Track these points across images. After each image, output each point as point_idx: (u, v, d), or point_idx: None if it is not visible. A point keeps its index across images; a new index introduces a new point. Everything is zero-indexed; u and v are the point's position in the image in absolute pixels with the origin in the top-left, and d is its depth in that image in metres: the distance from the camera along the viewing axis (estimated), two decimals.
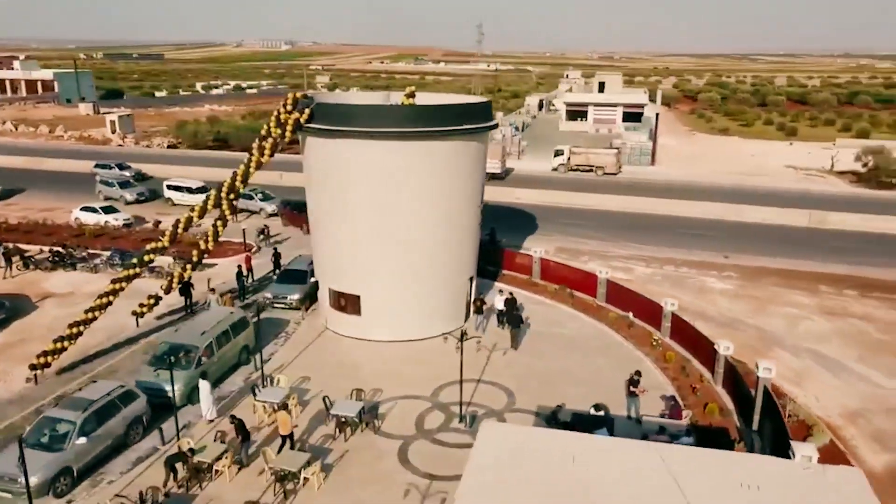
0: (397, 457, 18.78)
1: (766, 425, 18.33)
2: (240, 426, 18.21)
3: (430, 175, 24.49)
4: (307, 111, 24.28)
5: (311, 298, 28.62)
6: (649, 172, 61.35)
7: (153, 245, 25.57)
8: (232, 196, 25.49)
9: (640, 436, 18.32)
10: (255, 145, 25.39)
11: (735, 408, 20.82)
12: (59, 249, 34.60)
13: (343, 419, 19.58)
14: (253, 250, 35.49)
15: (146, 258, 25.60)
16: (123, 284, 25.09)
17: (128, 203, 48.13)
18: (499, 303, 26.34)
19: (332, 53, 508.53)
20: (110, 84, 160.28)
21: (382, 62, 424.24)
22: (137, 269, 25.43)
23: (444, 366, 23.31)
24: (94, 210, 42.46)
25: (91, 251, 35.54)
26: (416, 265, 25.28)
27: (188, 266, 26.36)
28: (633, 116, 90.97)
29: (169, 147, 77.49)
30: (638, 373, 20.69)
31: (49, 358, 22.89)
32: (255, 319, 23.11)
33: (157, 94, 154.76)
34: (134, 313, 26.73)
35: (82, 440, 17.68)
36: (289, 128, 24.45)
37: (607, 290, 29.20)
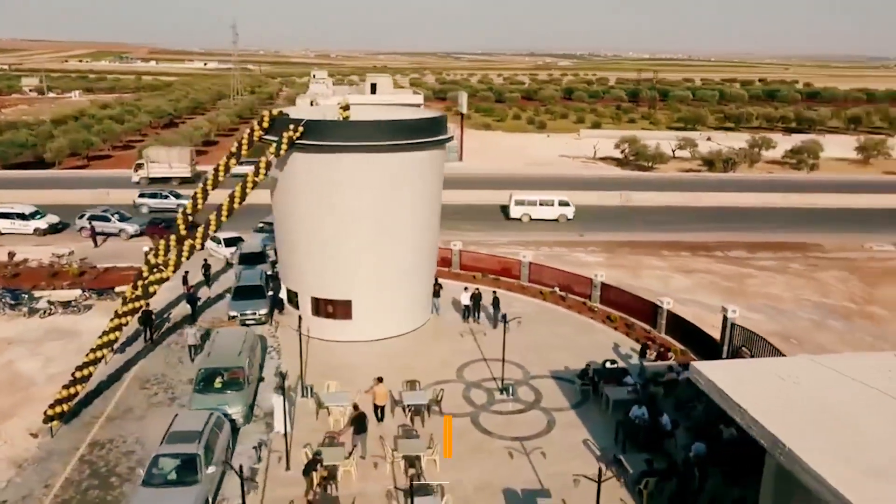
0: (477, 430, 21.50)
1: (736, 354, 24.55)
2: (360, 419, 19.57)
3: (413, 183, 26.90)
4: (300, 128, 25.14)
5: (271, 311, 29.25)
6: (460, 167, 67.63)
7: (157, 276, 24.38)
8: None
9: (654, 376, 23.47)
10: (251, 172, 25.41)
11: (685, 347, 26.90)
12: None
13: (416, 407, 21.67)
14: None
15: (151, 290, 24.35)
16: (128, 319, 23.72)
17: None
18: (465, 299, 29.20)
19: (13, 51, 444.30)
20: None
21: (81, 60, 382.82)
22: (141, 303, 24.13)
23: (443, 352, 26.38)
24: None
25: None
26: (401, 267, 27.56)
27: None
28: None
29: None
30: (648, 340, 25.85)
31: (64, 406, 21.19)
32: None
33: None
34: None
35: (211, 469, 17.72)
36: (284, 145, 25.05)
37: (529, 270, 33.97)
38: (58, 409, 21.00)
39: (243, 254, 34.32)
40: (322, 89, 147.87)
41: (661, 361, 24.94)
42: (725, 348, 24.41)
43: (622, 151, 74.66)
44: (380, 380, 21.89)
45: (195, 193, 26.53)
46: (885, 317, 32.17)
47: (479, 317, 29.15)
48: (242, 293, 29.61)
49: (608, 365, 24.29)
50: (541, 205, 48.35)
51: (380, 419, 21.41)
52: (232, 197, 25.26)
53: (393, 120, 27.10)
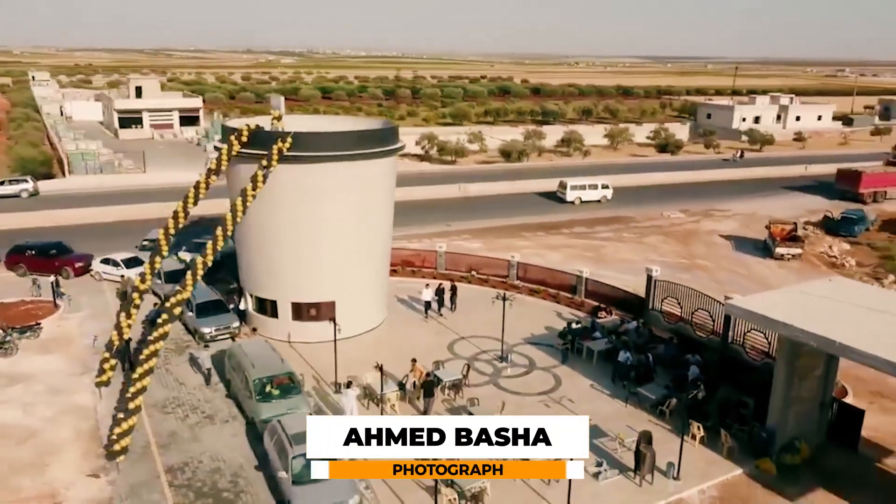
0: (507, 392, 25.17)
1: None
2: (429, 384, 22.40)
3: (381, 187, 29.33)
4: (289, 140, 26.17)
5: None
6: None
7: (179, 297, 23.77)
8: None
9: (614, 328, 29.14)
10: (248, 191, 25.72)
11: (611, 307, 33.00)
12: None
13: (452, 383, 24.70)
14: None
15: (176, 311, 23.66)
16: (161, 345, 22.99)
17: None
18: (426, 295, 31.82)
19: None
20: None
21: None
22: (168, 328, 23.46)
23: (423, 336, 29.52)
24: None
25: None
26: (375, 265, 29.90)
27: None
28: (190, 120, 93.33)
29: None
30: (599, 308, 31.13)
31: (125, 441, 20.54)
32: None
33: None
34: (99, 384, 24.27)
35: None
36: (275, 159, 25.90)
37: (445, 260, 37.80)
38: (120, 446, 20.36)
39: (168, 272, 33.20)
40: (50, 93, 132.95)
41: (609, 318, 30.67)
42: (651, 301, 30.86)
43: (423, 147, 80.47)
44: (414, 361, 24.62)
45: (176, 211, 26.23)
46: (711, 267, 41.71)
47: (441, 308, 32.16)
48: (206, 309, 29.34)
49: (574, 325, 29.43)
50: (589, 188, 57.70)
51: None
52: (234, 211, 25.56)
53: (366, 129, 29.25)
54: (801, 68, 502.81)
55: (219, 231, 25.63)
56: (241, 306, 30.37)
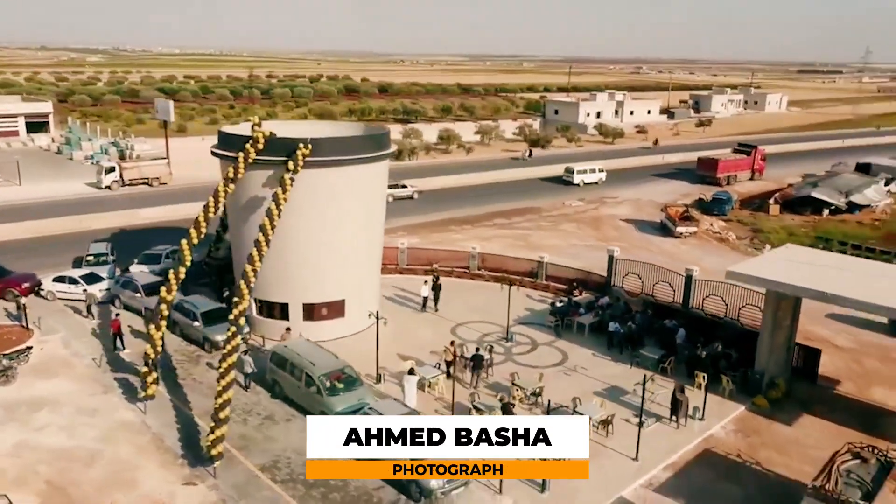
0: (526, 367, 28.02)
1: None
2: (479, 358, 25.44)
3: (380, 188, 31.04)
4: (309, 145, 27.10)
5: None
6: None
7: (240, 308, 24.06)
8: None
9: (591, 304, 32.94)
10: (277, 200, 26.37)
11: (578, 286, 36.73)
12: None
13: (479, 361, 27.12)
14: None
15: (241, 322, 23.97)
16: (235, 357, 23.30)
17: None
18: (425, 291, 33.64)
19: None
20: None
21: None
22: (238, 339, 23.78)
23: (424, 327, 31.73)
24: None
25: None
26: (375, 263, 31.57)
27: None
28: (37, 126, 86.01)
29: None
30: (573, 285, 34.59)
31: (220, 447, 20.92)
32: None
33: None
34: (145, 398, 24.13)
35: None
36: (300, 164, 26.74)
37: (407, 256, 39.79)
38: (219, 450, 20.79)
39: (146, 285, 32.40)
40: None
41: (583, 296, 34.44)
42: (612, 278, 35.09)
43: None
44: (452, 343, 26.97)
45: (197, 220, 26.34)
46: (627, 246, 46.98)
47: (437, 302, 33.89)
48: (212, 318, 29.40)
49: (558, 304, 32.94)
50: (589, 172, 67.44)
51: (449, 375, 26.28)
52: (271, 216, 26.14)
53: (373, 134, 30.84)
54: (605, 66, 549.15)
55: (261, 237, 26.06)
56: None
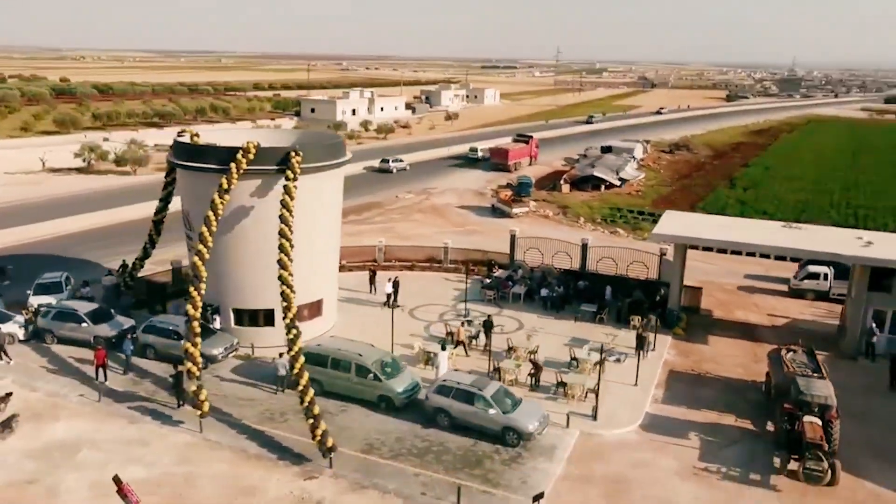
0: (500, 334, 32.55)
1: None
2: (489, 323, 30.09)
3: (340, 192, 32.94)
4: (300, 153, 28.28)
5: None
6: None
7: (292, 313, 24.56)
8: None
9: (509, 276, 38.41)
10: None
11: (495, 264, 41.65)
12: None
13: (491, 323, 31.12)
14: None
15: (295, 326, 24.51)
16: (302, 359, 24.12)
17: None
18: (388, 287, 35.44)
19: None
20: None
21: None
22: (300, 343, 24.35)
23: (387, 315, 34.14)
24: None
25: None
26: (337, 262, 33.44)
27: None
28: None
29: None
30: (492, 264, 39.30)
31: (330, 440, 22.32)
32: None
33: None
34: (203, 415, 24.14)
35: None
36: (297, 171, 27.84)
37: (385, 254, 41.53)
38: (330, 442, 22.26)
39: (90, 313, 30.29)
40: None
41: (499, 272, 39.64)
42: (514, 253, 40.91)
43: (85, 160, 73.41)
44: (462, 324, 30.85)
45: (203, 236, 26.41)
46: (481, 230, 53.26)
47: (396, 298, 35.88)
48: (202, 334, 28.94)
49: (487, 281, 37.88)
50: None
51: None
52: (287, 224, 26.99)
53: (336, 142, 32.50)
54: (305, 62, 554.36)
55: (285, 243, 26.68)
56: (218, 325, 30.42)
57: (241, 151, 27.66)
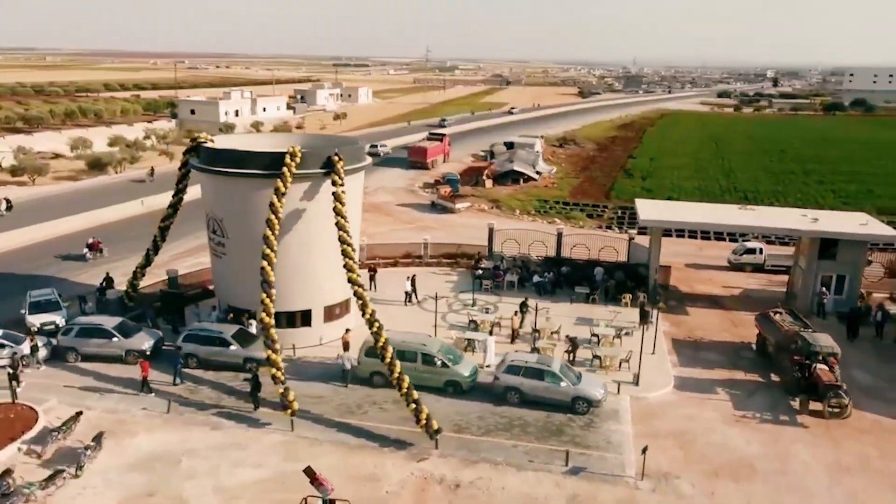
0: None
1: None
2: (524, 303, 32.46)
3: (361, 196, 33.95)
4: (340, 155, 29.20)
5: None
6: None
7: (371, 307, 25.57)
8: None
9: (496, 266, 40.99)
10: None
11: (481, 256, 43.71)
12: None
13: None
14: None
15: (376, 318, 25.60)
16: (391, 351, 25.37)
17: None
18: (407, 286, 36.80)
19: None
20: None
21: None
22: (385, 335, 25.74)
23: (408, 310, 36.04)
24: None
25: None
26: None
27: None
28: None
29: None
30: (479, 256, 41.42)
31: (434, 423, 23.85)
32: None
33: None
34: (293, 413, 24.81)
35: None
36: (342, 174, 28.75)
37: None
38: (435, 425, 23.84)
39: (117, 327, 29.47)
40: None
41: (486, 262, 42.01)
42: (492, 245, 43.49)
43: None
44: (516, 313, 33.40)
45: (268, 239, 26.82)
46: (435, 226, 55.21)
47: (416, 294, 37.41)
48: (243, 338, 29.31)
49: (478, 272, 40.20)
50: None
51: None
52: (344, 228, 27.82)
53: (359, 144, 33.40)
54: (145, 59, 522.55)
55: (347, 248, 27.51)
56: (254, 329, 30.54)
57: (288, 155, 28.16)
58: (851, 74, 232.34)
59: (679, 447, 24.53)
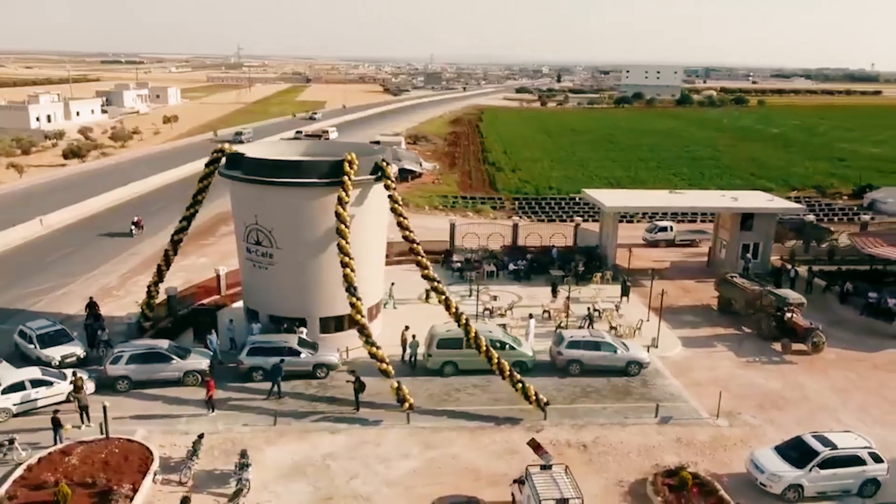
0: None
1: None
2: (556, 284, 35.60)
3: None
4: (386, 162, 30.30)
5: None
6: None
7: (454, 307, 27.10)
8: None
9: (468, 259, 43.76)
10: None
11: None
12: None
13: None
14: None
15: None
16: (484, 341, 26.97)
17: None
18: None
19: None
20: None
21: None
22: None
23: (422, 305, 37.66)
24: None
25: None
26: None
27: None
28: None
29: None
30: (450, 252, 43.46)
31: (542, 395, 26.45)
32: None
33: None
34: (409, 406, 26.15)
35: None
36: (393, 180, 29.91)
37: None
38: (543, 397, 26.49)
39: (171, 347, 28.27)
40: None
41: (457, 255, 44.37)
42: (453, 240, 46.03)
43: None
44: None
45: (343, 248, 27.56)
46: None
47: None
48: (308, 345, 29.50)
49: (457, 266, 42.69)
50: None
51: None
52: (406, 229, 28.93)
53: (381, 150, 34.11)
54: None
55: (418, 248, 28.54)
56: (305, 335, 30.64)
57: (346, 163, 28.79)
58: (628, 71, 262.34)
59: (725, 391, 29.37)
